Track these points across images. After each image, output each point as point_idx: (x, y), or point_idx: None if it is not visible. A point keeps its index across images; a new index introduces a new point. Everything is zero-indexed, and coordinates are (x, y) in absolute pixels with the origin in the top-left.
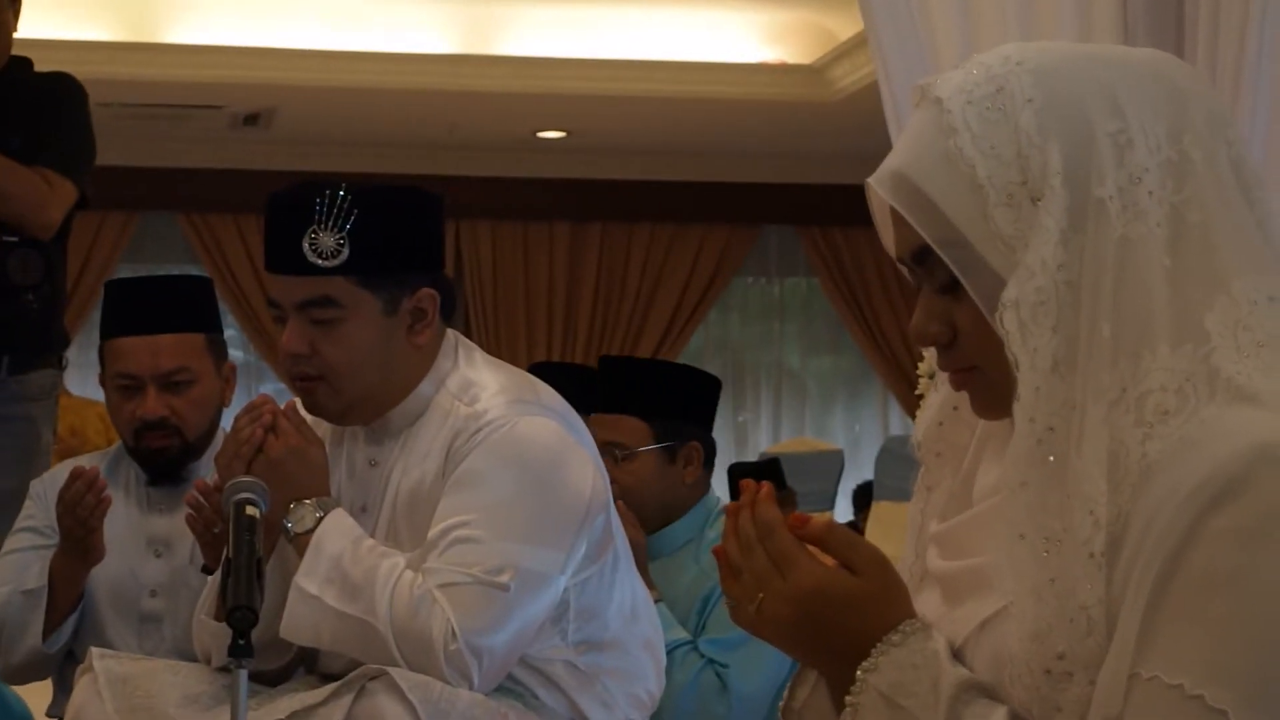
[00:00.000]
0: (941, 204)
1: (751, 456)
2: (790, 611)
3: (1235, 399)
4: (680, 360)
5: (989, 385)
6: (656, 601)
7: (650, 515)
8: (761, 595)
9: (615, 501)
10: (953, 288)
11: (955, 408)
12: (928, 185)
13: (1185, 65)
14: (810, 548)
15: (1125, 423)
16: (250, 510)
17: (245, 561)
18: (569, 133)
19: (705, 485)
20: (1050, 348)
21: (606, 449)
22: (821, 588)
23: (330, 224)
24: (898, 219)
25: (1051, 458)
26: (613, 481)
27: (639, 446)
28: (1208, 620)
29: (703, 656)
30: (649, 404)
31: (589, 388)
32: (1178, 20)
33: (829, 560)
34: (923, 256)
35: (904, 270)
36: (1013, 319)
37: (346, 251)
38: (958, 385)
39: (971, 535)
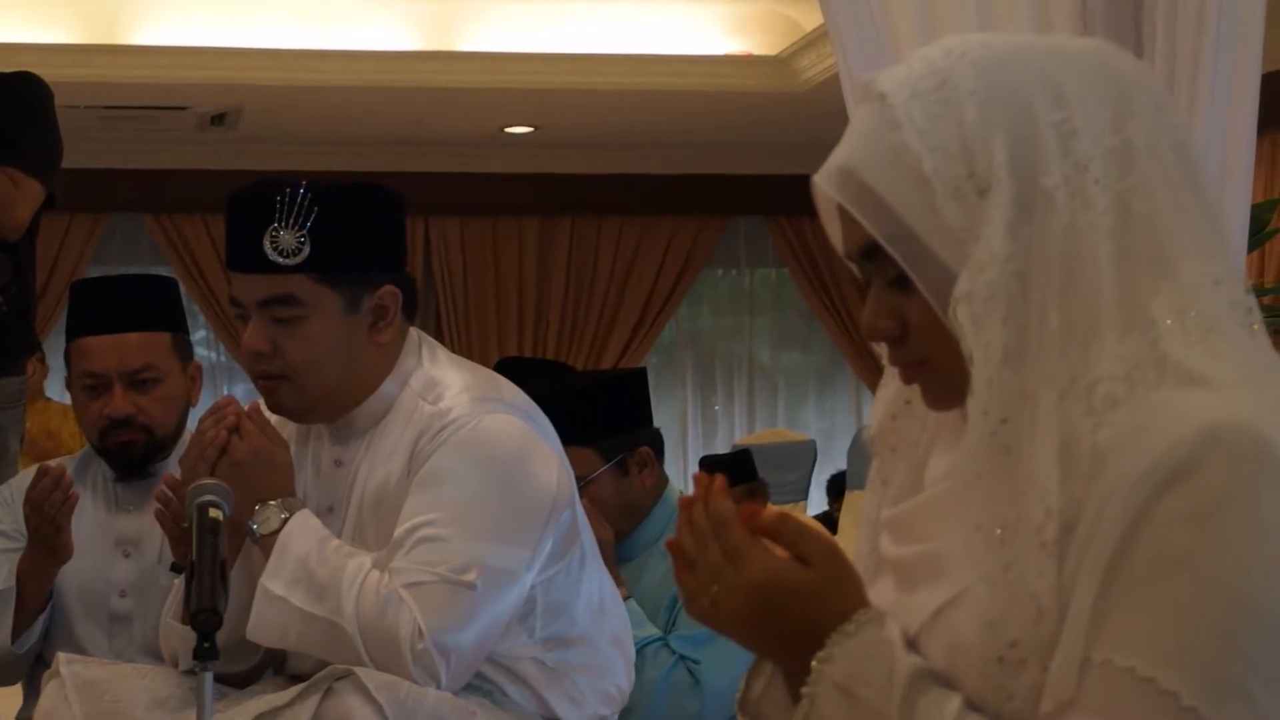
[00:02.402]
0: (889, 199)
1: (724, 448)
2: (744, 604)
3: (1184, 383)
4: (652, 353)
5: (940, 378)
6: (625, 599)
7: (619, 526)
8: (716, 588)
9: (583, 501)
10: (902, 283)
11: (908, 401)
12: (874, 181)
13: (1127, 53)
14: (764, 540)
15: (1075, 411)
16: (214, 513)
17: (209, 564)
18: (536, 128)
19: (663, 479)
20: (1001, 339)
21: None
22: (774, 579)
23: (291, 222)
24: (845, 215)
25: (1006, 449)
26: None
27: (592, 473)
28: (1159, 603)
29: (674, 653)
30: (587, 429)
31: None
32: (1135, 12)
33: (782, 552)
34: (872, 252)
35: (852, 266)
36: (965, 313)
37: (307, 249)
38: (909, 379)
39: (923, 520)
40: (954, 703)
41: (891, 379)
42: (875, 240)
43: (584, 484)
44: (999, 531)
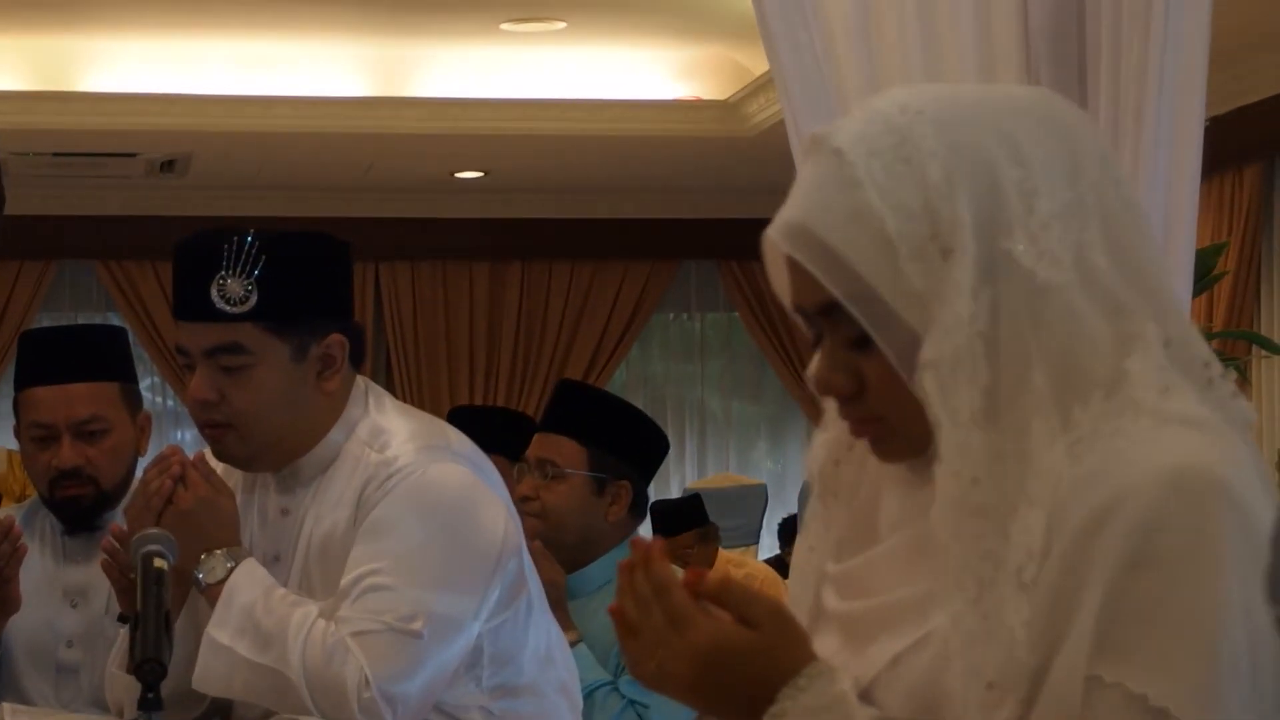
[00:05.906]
0: (850, 258)
1: (676, 493)
2: (689, 670)
3: (1162, 421)
4: None
5: (895, 435)
6: (576, 643)
7: (567, 545)
8: (661, 653)
9: (534, 543)
10: (860, 342)
11: (850, 447)
12: (834, 239)
13: (1070, 103)
14: (707, 604)
15: (1057, 457)
16: (158, 563)
17: (153, 614)
18: (486, 173)
19: (629, 529)
20: (969, 403)
21: (540, 465)
22: (718, 644)
23: (238, 270)
24: (800, 271)
25: (979, 509)
26: (536, 500)
27: (570, 469)
28: (1140, 648)
29: (623, 697)
30: (592, 432)
31: (509, 431)
32: (1080, 60)
33: (725, 615)
34: (829, 310)
35: (798, 319)
36: (932, 380)
37: (255, 298)
38: (860, 434)
39: (880, 573)
40: None
41: (833, 424)
42: (834, 299)
43: (558, 474)
44: (978, 587)
